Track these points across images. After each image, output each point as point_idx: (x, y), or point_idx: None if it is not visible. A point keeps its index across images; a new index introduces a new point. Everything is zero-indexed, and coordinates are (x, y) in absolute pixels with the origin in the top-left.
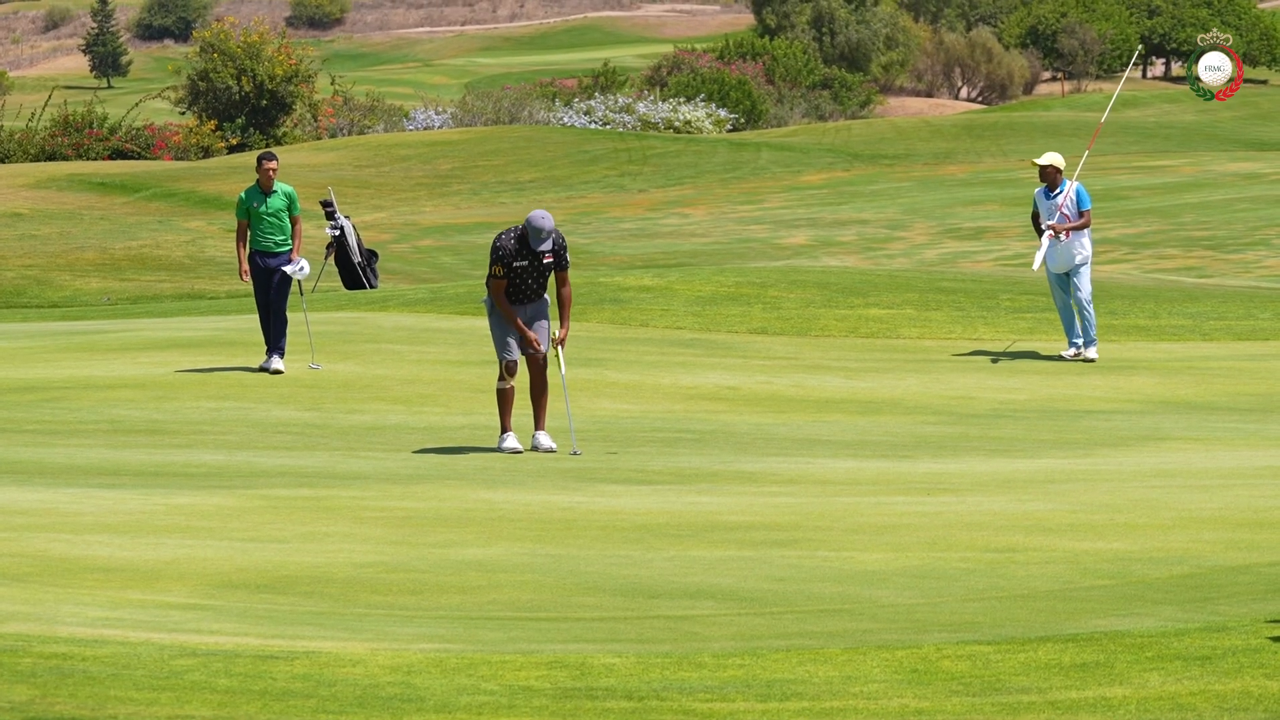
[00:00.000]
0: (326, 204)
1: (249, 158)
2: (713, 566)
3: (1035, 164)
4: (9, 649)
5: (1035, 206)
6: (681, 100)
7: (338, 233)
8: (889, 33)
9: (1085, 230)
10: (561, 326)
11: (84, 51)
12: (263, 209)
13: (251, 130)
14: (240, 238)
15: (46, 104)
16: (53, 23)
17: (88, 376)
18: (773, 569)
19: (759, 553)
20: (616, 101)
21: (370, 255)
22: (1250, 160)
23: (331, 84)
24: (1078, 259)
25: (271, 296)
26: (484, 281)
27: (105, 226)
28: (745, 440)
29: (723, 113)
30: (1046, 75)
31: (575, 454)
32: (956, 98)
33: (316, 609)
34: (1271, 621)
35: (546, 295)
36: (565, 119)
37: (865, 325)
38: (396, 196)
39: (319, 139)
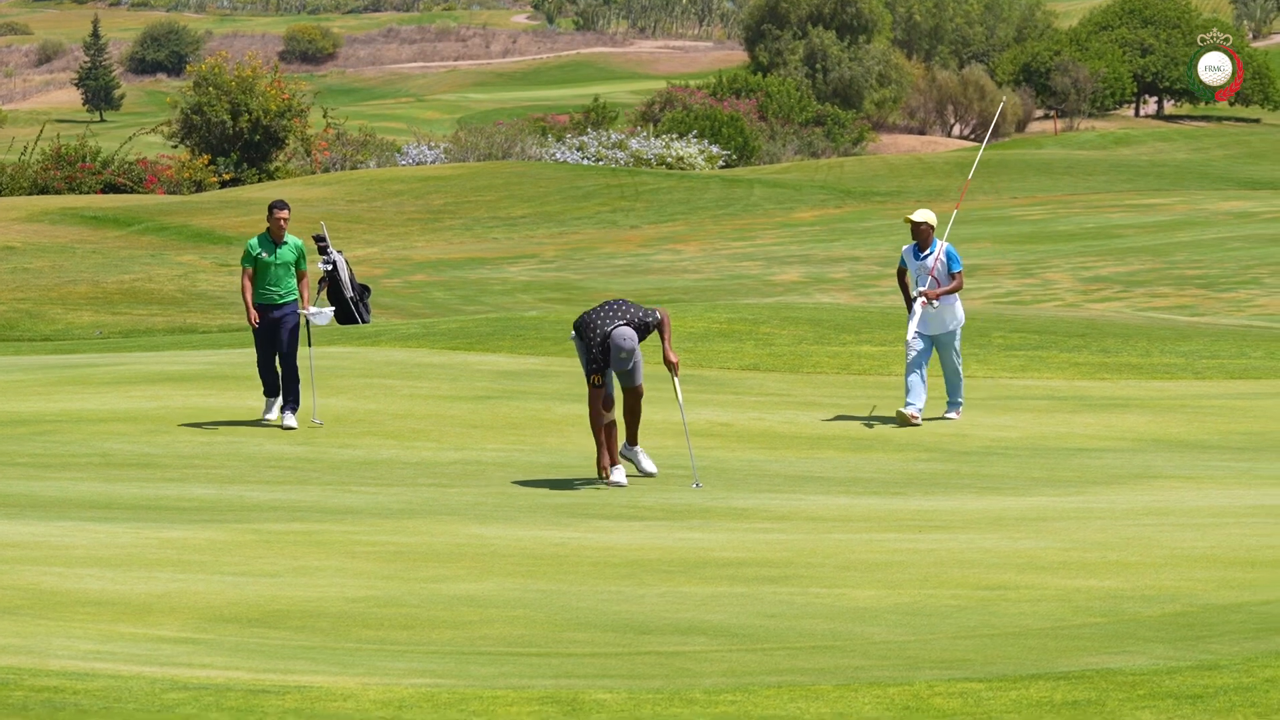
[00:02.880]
0: (319, 238)
1: (241, 192)
2: (704, 603)
3: (909, 220)
4: (0, 682)
5: (902, 264)
6: (674, 136)
7: (330, 267)
8: (882, 70)
9: (957, 294)
10: (667, 350)
11: (77, 85)
12: (271, 259)
13: (244, 165)
14: (247, 284)
15: (39, 138)
16: (45, 56)
17: (79, 410)
18: (764, 605)
19: (751, 589)
20: (609, 137)
21: (362, 290)
22: (1243, 199)
23: (324, 118)
24: (951, 324)
25: (282, 350)
26: (570, 332)
27: (97, 260)
28: (737, 476)
29: (715, 149)
30: (1039, 113)
31: (697, 486)
32: (949, 135)
33: (308, 643)
34: (1263, 660)
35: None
36: (558, 155)
37: (857, 362)
38: (389, 231)
39: (312, 173)
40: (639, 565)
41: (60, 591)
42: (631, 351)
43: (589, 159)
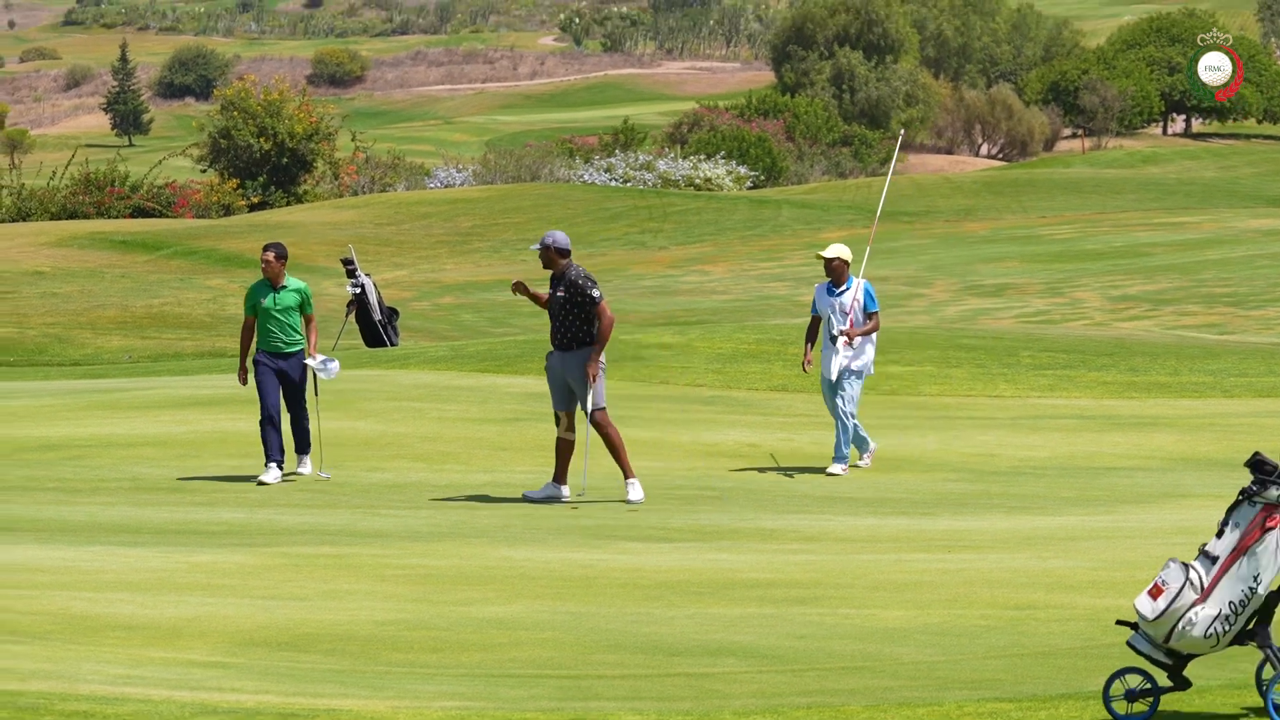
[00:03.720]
0: (347, 261)
1: (270, 216)
2: (733, 624)
3: (821, 257)
4: (31, 707)
5: (814, 309)
6: (702, 157)
7: (358, 290)
8: (909, 90)
9: (872, 335)
10: (591, 360)
11: (105, 110)
12: (269, 304)
13: (273, 188)
14: (245, 335)
15: (69, 163)
16: (74, 81)
17: (109, 435)
18: (793, 626)
19: (780, 610)
20: (637, 159)
21: (391, 313)
22: (1271, 217)
23: (352, 140)
24: (856, 364)
25: (289, 400)
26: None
27: (126, 284)
28: (766, 497)
29: (743, 170)
30: (1067, 132)
31: (580, 495)
32: (977, 154)
33: (338, 667)
34: None
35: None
36: (586, 176)
37: (886, 382)
38: (417, 254)
39: (340, 197)
40: (667, 587)
41: (90, 616)
42: (544, 237)
43: (617, 180)
